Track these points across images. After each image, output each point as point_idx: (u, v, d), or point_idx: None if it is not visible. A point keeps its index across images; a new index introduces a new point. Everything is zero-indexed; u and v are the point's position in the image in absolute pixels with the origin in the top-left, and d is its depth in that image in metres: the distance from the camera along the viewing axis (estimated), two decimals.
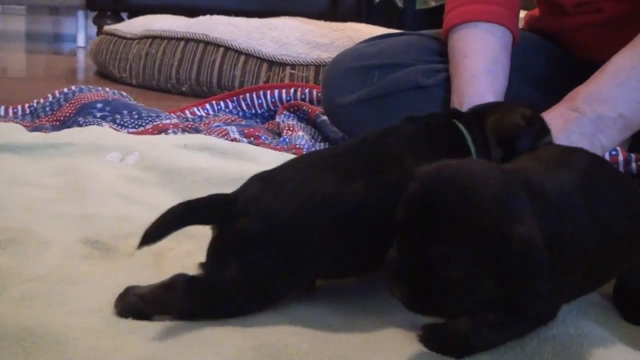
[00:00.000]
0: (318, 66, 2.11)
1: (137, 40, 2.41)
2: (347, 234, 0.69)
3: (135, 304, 0.66)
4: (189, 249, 0.84)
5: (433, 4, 3.26)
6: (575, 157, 0.71)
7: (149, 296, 0.66)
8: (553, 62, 1.35)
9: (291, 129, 1.48)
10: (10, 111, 1.56)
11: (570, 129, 1.02)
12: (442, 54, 1.35)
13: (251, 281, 0.66)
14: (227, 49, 2.21)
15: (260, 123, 1.69)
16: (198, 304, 0.66)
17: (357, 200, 0.69)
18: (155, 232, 0.67)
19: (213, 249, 0.69)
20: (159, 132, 1.41)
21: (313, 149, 1.42)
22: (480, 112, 0.84)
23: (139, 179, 1.10)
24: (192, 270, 0.77)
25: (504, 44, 1.21)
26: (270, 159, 1.23)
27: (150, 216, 0.92)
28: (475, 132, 0.80)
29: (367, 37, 1.49)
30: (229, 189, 1.05)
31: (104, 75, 2.60)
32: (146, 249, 0.81)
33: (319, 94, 1.68)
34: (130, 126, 1.44)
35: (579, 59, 1.32)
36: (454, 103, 1.18)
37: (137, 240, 0.85)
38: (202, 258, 0.81)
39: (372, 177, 0.71)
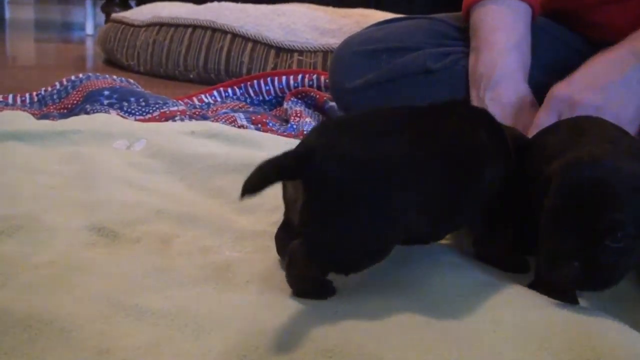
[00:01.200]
0: (326, 52, 2.10)
1: (144, 28, 2.41)
2: (421, 191, 0.69)
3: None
4: (194, 235, 0.83)
5: None
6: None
7: (289, 274, 0.68)
8: (565, 48, 1.33)
9: (298, 115, 1.47)
10: (19, 99, 1.57)
11: (629, 77, 1.01)
12: (450, 37, 1.34)
13: (358, 231, 0.66)
14: (235, 35, 2.20)
15: (267, 110, 1.68)
16: (326, 267, 0.67)
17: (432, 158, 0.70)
18: (253, 186, 0.65)
19: (310, 207, 0.66)
20: (166, 119, 1.41)
21: None
22: None
23: (145, 166, 1.10)
24: (198, 255, 0.78)
25: (527, 22, 1.21)
26: (277, 145, 1.22)
27: (156, 203, 0.93)
28: None
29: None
30: (235, 175, 1.06)
31: (112, 63, 2.60)
32: (152, 235, 0.82)
33: (327, 80, 1.68)
34: (137, 113, 1.44)
35: (594, 42, 1.30)
36: (480, 75, 1.17)
37: (144, 226, 0.85)
38: (209, 243, 0.82)
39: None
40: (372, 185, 0.65)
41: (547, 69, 1.29)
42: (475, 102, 1.19)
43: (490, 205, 0.78)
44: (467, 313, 0.68)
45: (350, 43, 1.40)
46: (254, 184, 0.64)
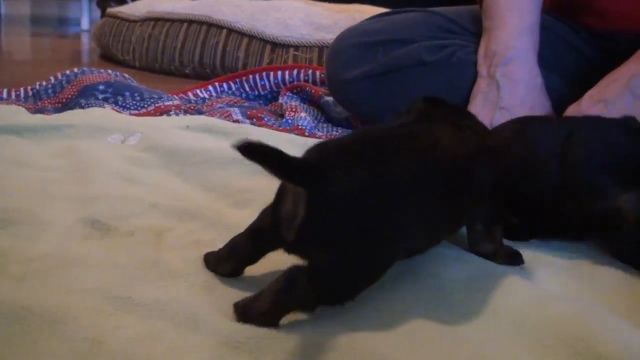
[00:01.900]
0: (322, 47, 2.10)
1: (140, 23, 2.40)
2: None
3: (268, 323, 0.61)
4: (189, 229, 0.83)
5: None
6: None
7: (278, 301, 0.61)
8: (575, 50, 1.33)
9: (294, 110, 1.47)
10: (13, 94, 1.56)
11: (633, 86, 1.04)
12: (447, 30, 1.34)
13: (363, 256, 0.62)
14: (230, 30, 2.19)
15: (263, 104, 1.68)
16: (326, 294, 0.62)
17: None
18: (250, 148, 0.58)
19: (317, 228, 0.61)
20: (161, 114, 1.40)
21: (315, 130, 1.41)
22: None
23: (140, 160, 1.09)
24: (191, 248, 0.77)
25: (539, 6, 1.22)
26: (272, 140, 1.22)
27: (151, 197, 0.93)
28: None
29: None
30: (230, 170, 1.06)
31: (107, 58, 2.59)
32: (145, 229, 0.82)
33: (322, 75, 1.68)
34: (132, 108, 1.44)
35: (597, 32, 1.30)
36: (493, 53, 1.18)
37: (138, 220, 0.85)
38: (203, 237, 0.81)
39: None
40: (384, 211, 0.62)
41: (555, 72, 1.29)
42: (484, 78, 1.21)
43: (483, 201, 0.78)
44: (465, 307, 0.68)
45: (347, 35, 1.40)
46: (250, 149, 0.57)
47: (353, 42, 1.37)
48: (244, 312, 0.62)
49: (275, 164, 0.58)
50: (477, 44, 1.29)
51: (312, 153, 0.65)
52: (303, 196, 0.60)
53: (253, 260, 0.71)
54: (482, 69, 1.22)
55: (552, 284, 0.76)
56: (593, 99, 1.07)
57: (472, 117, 0.83)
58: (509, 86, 1.18)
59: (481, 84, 1.21)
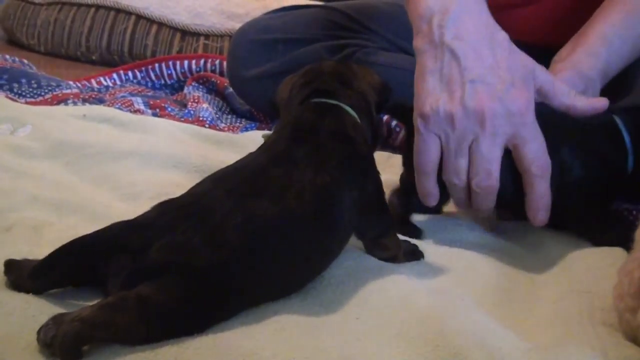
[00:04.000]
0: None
1: (45, 6, 2.32)
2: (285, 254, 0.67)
3: (80, 330, 0.56)
4: (69, 223, 0.82)
5: None
6: None
7: (94, 318, 0.57)
8: None
9: (196, 100, 1.46)
10: None
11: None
12: (346, 28, 1.36)
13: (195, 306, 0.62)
14: (139, 17, 2.15)
15: (169, 94, 1.66)
16: (154, 328, 0.59)
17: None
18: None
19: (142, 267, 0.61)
20: (58, 103, 1.37)
21: (218, 121, 1.41)
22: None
23: (29, 151, 1.06)
24: None
25: None
26: (170, 131, 1.21)
27: (34, 189, 0.90)
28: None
29: None
30: (123, 162, 1.05)
31: (13, 42, 2.49)
32: (24, 223, 0.80)
33: None
34: (28, 95, 1.39)
35: None
36: (430, 12, 0.88)
37: (16, 214, 0.83)
38: (82, 231, 0.79)
39: None
40: (213, 278, 0.62)
41: None
42: (426, 52, 0.87)
43: (367, 216, 0.77)
44: (336, 301, 0.70)
45: (247, 31, 1.40)
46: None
47: (253, 38, 1.36)
48: (60, 317, 0.57)
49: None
50: (377, 42, 1.31)
51: (154, 211, 0.67)
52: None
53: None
54: (421, 40, 0.89)
55: (429, 278, 0.79)
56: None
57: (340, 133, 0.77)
58: (469, 49, 0.86)
59: (425, 61, 0.87)
